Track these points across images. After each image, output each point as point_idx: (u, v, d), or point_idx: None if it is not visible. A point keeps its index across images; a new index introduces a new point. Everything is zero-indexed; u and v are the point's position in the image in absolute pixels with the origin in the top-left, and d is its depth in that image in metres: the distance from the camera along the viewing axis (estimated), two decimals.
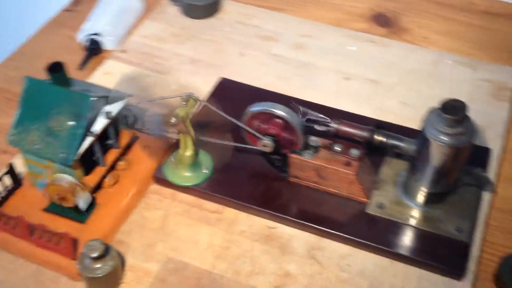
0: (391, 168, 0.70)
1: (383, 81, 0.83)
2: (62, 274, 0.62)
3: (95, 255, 0.57)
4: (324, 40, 0.89)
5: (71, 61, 0.87)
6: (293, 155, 0.66)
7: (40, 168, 0.64)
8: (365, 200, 0.66)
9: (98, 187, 0.67)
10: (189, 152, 0.67)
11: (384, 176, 0.69)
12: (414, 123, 0.72)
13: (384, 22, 0.93)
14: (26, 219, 0.61)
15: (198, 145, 0.69)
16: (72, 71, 0.85)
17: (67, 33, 0.92)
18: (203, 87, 0.81)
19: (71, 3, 0.99)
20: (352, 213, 0.66)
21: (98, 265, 0.58)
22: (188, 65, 0.86)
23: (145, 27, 0.92)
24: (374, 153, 0.66)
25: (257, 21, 0.93)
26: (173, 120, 0.61)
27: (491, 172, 0.70)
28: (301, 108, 0.65)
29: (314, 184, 0.68)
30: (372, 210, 0.66)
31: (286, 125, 0.65)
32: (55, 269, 0.62)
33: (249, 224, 0.67)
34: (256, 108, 0.66)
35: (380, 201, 0.66)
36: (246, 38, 0.90)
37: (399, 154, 0.67)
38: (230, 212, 0.68)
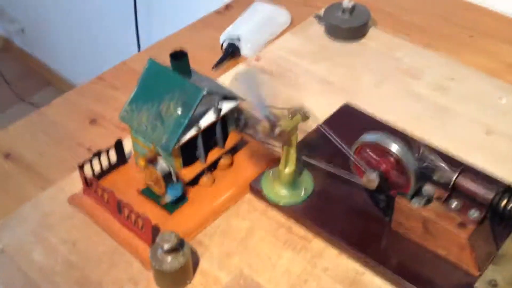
0: None
1: None
2: (136, 259, 0.61)
3: (167, 247, 0.56)
4: (470, 87, 0.81)
5: (209, 60, 0.89)
6: (401, 199, 0.59)
7: (145, 150, 0.65)
8: (476, 272, 0.57)
9: (194, 182, 0.66)
10: (289, 169, 0.64)
11: (506, 251, 0.59)
12: None
13: None
14: (116, 195, 0.62)
15: (301, 164, 0.65)
16: (207, 69, 0.87)
17: (212, 34, 0.94)
18: (326, 109, 0.77)
19: (223, 6, 1.01)
20: (457, 284, 0.58)
21: (168, 259, 0.56)
22: (316, 85, 0.83)
23: (285, 39, 0.91)
24: (501, 221, 0.57)
25: (400, 54, 0.87)
26: (276, 130, 0.58)
27: None
28: (422, 148, 0.58)
29: (418, 238, 0.60)
30: (482, 286, 0.57)
31: (399, 164, 0.58)
32: (132, 252, 0.62)
33: (336, 262, 0.61)
34: (369, 137, 0.60)
35: (494, 278, 0.57)
36: (385, 70, 0.84)
37: None
38: (318, 244, 0.62)
